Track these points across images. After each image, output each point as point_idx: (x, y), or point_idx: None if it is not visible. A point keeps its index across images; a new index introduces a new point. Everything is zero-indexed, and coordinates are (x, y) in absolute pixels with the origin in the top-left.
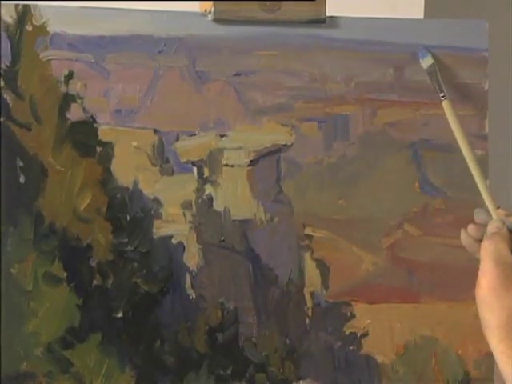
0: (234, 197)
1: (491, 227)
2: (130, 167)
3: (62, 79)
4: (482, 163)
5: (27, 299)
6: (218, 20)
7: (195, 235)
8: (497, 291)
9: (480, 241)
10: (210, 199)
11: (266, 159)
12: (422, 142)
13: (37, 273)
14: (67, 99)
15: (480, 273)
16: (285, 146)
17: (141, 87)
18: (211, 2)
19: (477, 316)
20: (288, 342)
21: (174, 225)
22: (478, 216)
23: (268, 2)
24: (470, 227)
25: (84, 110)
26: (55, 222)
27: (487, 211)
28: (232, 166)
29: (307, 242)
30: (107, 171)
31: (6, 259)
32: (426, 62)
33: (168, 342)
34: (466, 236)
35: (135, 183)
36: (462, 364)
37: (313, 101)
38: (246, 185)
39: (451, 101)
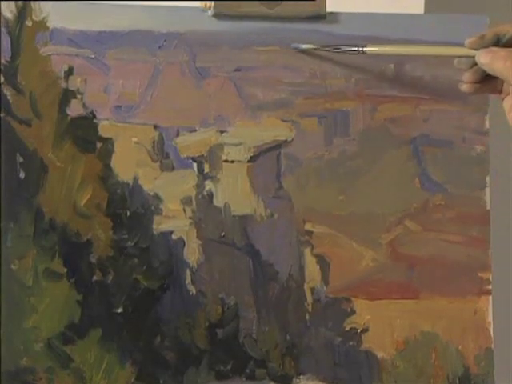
0: (234, 192)
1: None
2: (130, 163)
3: (62, 75)
4: (483, 159)
5: (27, 295)
6: (218, 15)
7: (195, 231)
8: None
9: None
10: (210, 195)
11: (266, 155)
12: (422, 138)
13: (37, 268)
14: (67, 95)
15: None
16: (285, 141)
17: (141, 83)
18: None
19: (477, 311)
20: (288, 337)
21: (174, 220)
22: (460, 63)
23: None
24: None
25: (84, 105)
26: (55, 218)
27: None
28: (232, 161)
29: (307, 237)
30: (107, 167)
31: (6, 255)
32: None
33: (168, 338)
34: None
35: (135, 179)
36: (462, 359)
37: (313, 96)
38: (246, 180)
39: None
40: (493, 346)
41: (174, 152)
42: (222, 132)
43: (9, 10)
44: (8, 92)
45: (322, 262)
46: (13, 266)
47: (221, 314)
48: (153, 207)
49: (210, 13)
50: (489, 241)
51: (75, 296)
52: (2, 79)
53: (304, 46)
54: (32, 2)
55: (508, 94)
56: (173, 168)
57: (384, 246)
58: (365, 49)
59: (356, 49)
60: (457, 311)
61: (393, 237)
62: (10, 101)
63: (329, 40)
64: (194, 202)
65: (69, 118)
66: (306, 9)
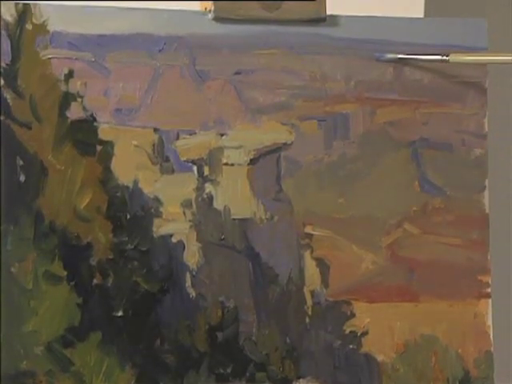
0: (234, 195)
1: None
2: (130, 166)
3: (62, 78)
4: (482, 162)
5: (27, 298)
6: (217, 19)
7: (195, 234)
8: None
9: None
10: (210, 198)
11: (266, 158)
12: (421, 141)
13: (37, 271)
14: (67, 98)
15: None
16: (285, 144)
17: (141, 86)
18: (211, 1)
19: (477, 314)
20: (288, 340)
21: (174, 223)
22: None
23: (268, 1)
24: None
25: (84, 108)
26: (55, 221)
27: None
28: (232, 164)
29: (307, 240)
30: (107, 170)
31: (6, 258)
32: None
33: (168, 341)
34: None
35: (135, 182)
36: (462, 362)
37: (313, 99)
38: (246, 183)
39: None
40: (492, 349)
41: (174, 155)
42: (222, 135)
43: (9, 14)
44: (8, 95)
45: (322, 265)
46: (13, 269)
47: (221, 317)
48: (153, 210)
49: (209, 16)
50: (488, 244)
51: (75, 299)
52: (2, 82)
53: (389, 56)
54: (32, 6)
55: None
56: (173, 171)
57: (384, 249)
58: (448, 57)
59: (439, 58)
60: (456, 314)
61: (392, 240)
62: (10, 104)
63: (329, 43)
64: (193, 205)
65: (69, 121)
66: (306, 12)
